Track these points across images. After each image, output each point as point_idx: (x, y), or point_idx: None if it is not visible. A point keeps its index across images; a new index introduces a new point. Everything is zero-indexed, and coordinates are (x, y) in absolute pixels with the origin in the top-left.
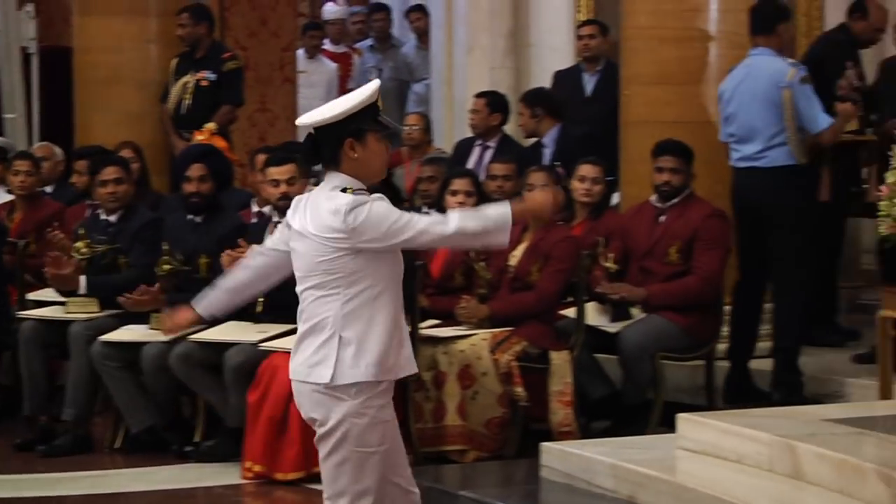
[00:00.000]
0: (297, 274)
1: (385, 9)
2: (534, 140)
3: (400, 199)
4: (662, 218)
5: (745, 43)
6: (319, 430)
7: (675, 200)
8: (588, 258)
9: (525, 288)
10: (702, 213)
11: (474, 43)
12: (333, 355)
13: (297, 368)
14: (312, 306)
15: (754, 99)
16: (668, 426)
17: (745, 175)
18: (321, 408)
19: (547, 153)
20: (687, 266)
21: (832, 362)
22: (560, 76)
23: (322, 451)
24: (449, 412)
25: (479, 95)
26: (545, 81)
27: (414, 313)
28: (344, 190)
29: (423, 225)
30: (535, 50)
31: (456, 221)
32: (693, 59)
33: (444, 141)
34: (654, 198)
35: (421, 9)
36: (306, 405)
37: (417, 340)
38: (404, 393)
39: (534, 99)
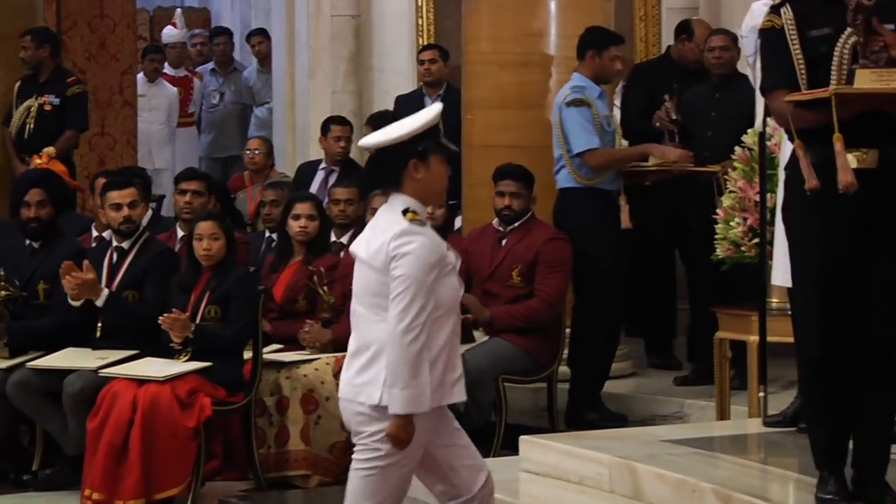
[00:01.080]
0: (353, 290)
1: (226, 32)
2: None
3: (242, 224)
4: (504, 241)
5: None
6: (357, 440)
7: (517, 224)
8: None
9: None
10: (543, 237)
11: (316, 66)
12: (382, 376)
13: (345, 388)
14: (363, 326)
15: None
16: (512, 448)
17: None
18: (365, 425)
19: None
20: (529, 289)
21: (671, 384)
22: (402, 100)
23: (355, 457)
24: (292, 437)
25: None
26: (387, 105)
27: (257, 338)
28: (405, 211)
29: (406, 318)
30: (376, 74)
31: (407, 352)
32: (533, 83)
33: (287, 165)
34: (495, 221)
35: (262, 33)
36: (353, 424)
37: (260, 365)
38: (247, 418)
39: (378, 121)
